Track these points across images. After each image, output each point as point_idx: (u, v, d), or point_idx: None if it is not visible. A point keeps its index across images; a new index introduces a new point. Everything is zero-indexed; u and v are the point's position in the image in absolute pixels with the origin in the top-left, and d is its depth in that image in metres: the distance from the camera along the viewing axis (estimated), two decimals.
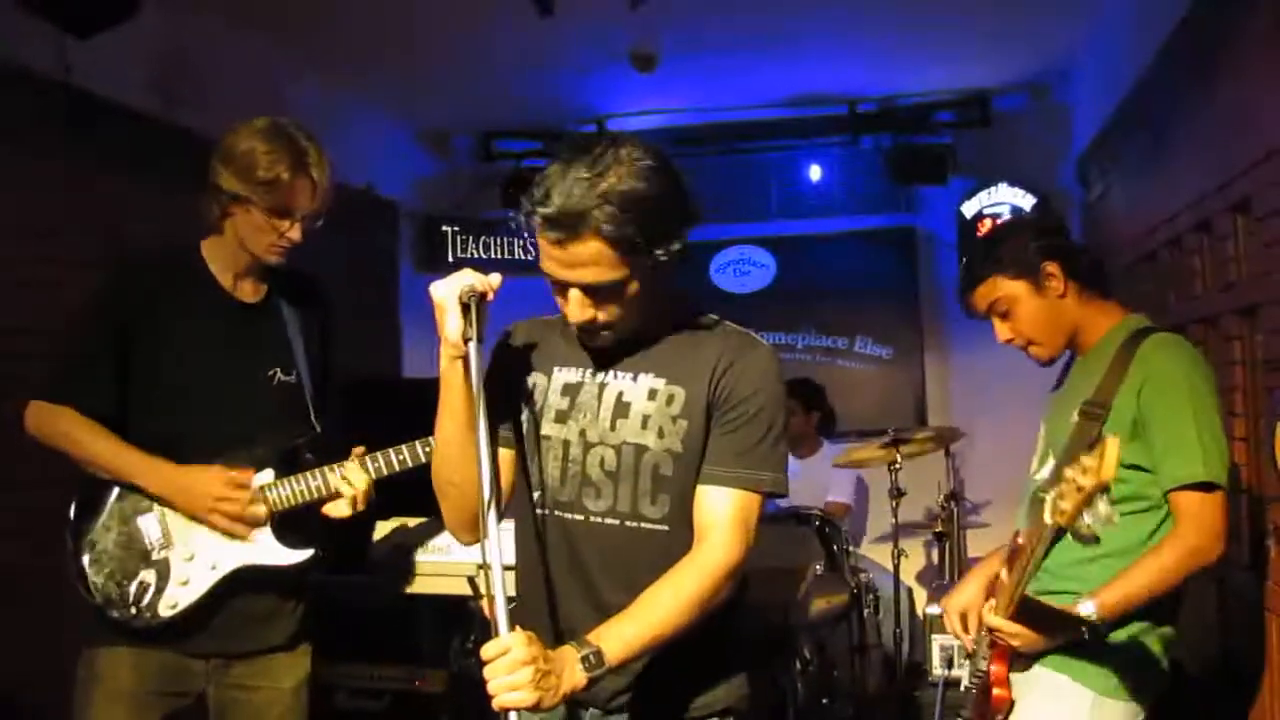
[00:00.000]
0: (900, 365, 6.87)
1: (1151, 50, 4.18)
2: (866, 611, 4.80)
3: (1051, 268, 2.48)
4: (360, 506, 2.65)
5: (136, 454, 2.54)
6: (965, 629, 2.57)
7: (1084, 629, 2.23)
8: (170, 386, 2.58)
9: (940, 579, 5.55)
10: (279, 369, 2.70)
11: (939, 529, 5.34)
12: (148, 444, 2.56)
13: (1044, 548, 2.05)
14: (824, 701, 4.42)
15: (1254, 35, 3.18)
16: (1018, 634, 2.29)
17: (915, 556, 6.10)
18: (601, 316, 1.92)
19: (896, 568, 5.01)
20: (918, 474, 5.38)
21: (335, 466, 2.66)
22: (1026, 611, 2.26)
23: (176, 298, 2.61)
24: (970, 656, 2.57)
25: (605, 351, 2.03)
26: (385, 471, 2.67)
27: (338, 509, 2.65)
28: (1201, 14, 3.68)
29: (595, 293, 1.88)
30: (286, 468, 2.66)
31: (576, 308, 1.90)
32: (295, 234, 2.57)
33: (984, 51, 5.57)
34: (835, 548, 4.63)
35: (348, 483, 2.63)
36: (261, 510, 2.59)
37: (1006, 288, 2.50)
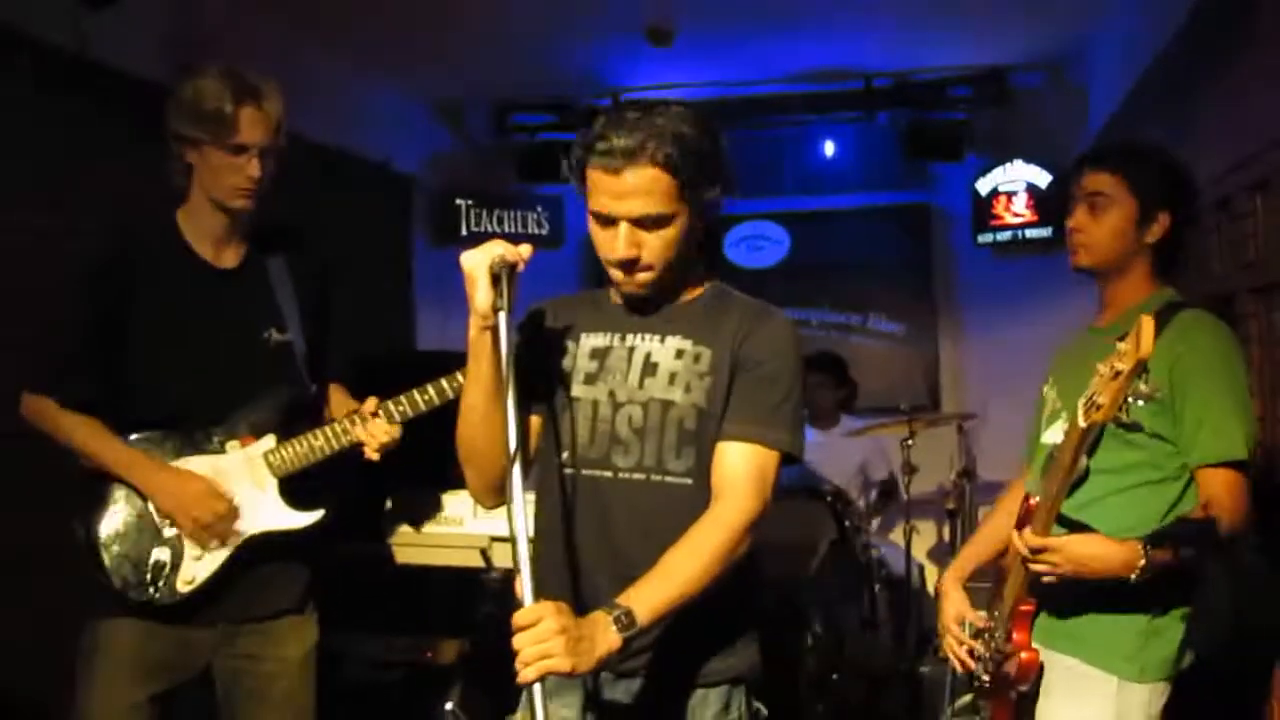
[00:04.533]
0: (913, 342, 6.85)
1: (1170, 29, 4.15)
2: (877, 587, 4.81)
3: (1163, 219, 2.41)
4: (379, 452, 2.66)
5: (119, 448, 2.53)
6: (965, 638, 2.55)
7: (1140, 559, 2.12)
8: (165, 359, 2.57)
9: (952, 556, 5.55)
10: (274, 329, 2.69)
11: (951, 506, 5.33)
12: (150, 419, 2.56)
13: (1072, 454, 2.05)
14: (834, 677, 4.43)
15: (1274, 14, 3.16)
16: (1061, 548, 2.17)
17: (927, 533, 6.10)
18: (645, 255, 1.99)
19: (908, 544, 5.02)
20: (930, 450, 5.38)
21: (345, 420, 2.66)
22: (1067, 527, 2.23)
23: (157, 271, 2.60)
24: (977, 664, 2.52)
25: (633, 316, 2.11)
26: (397, 417, 2.67)
27: (368, 455, 2.66)
28: None
29: (643, 224, 1.96)
30: (287, 430, 2.67)
31: (623, 242, 1.97)
32: (253, 170, 2.55)
33: (1001, 28, 5.52)
34: (847, 523, 4.63)
35: (365, 434, 2.63)
36: (233, 536, 2.58)
37: (1118, 192, 2.40)
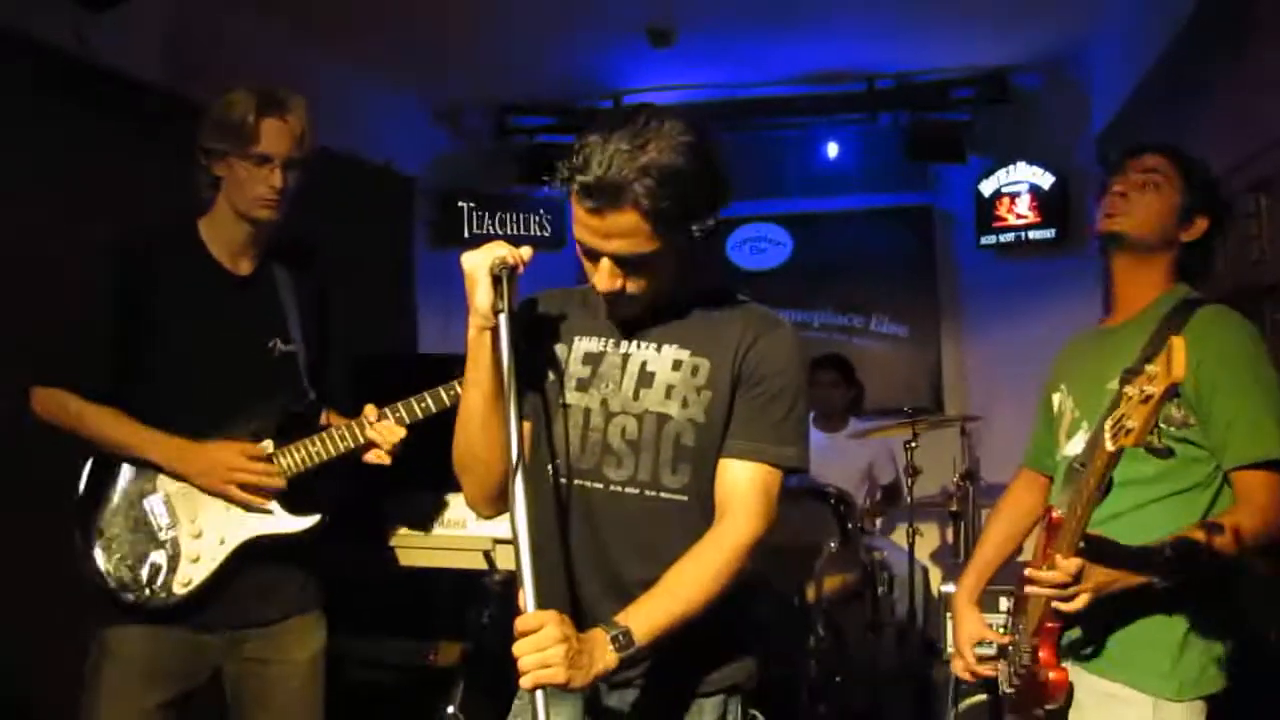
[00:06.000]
0: (916, 344, 6.83)
1: (1172, 29, 4.14)
2: (881, 590, 4.80)
3: (1200, 222, 2.37)
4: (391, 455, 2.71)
5: (147, 430, 2.56)
6: (977, 665, 2.49)
7: (1163, 564, 2.07)
8: (172, 360, 2.60)
9: (955, 558, 5.54)
10: (279, 339, 2.72)
11: (954, 508, 5.32)
12: (151, 416, 2.57)
13: (1098, 477, 1.93)
14: (837, 680, 4.43)
15: (1274, 13, 3.15)
16: (1090, 574, 2.08)
17: (930, 535, 6.09)
18: (630, 287, 1.93)
19: (911, 546, 5.01)
20: (933, 452, 5.37)
21: (352, 423, 2.69)
22: (1095, 550, 2.09)
23: (175, 273, 2.63)
24: (1002, 665, 2.45)
25: (628, 322, 2.05)
26: (407, 420, 2.69)
27: (378, 456, 2.70)
28: None
29: (626, 264, 1.90)
30: (284, 436, 2.68)
31: (606, 277, 1.91)
32: (276, 180, 2.59)
33: (1003, 29, 5.51)
34: (850, 525, 4.62)
35: (378, 434, 2.67)
36: (280, 481, 2.62)
37: (1171, 176, 2.36)
